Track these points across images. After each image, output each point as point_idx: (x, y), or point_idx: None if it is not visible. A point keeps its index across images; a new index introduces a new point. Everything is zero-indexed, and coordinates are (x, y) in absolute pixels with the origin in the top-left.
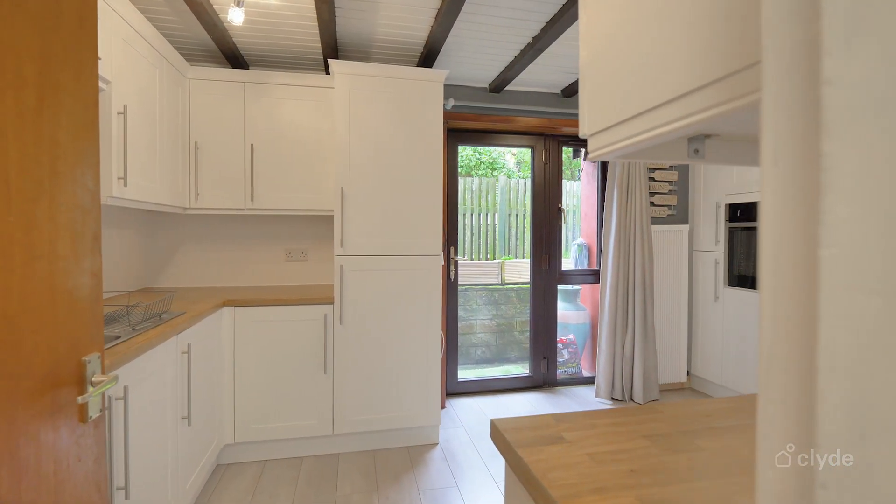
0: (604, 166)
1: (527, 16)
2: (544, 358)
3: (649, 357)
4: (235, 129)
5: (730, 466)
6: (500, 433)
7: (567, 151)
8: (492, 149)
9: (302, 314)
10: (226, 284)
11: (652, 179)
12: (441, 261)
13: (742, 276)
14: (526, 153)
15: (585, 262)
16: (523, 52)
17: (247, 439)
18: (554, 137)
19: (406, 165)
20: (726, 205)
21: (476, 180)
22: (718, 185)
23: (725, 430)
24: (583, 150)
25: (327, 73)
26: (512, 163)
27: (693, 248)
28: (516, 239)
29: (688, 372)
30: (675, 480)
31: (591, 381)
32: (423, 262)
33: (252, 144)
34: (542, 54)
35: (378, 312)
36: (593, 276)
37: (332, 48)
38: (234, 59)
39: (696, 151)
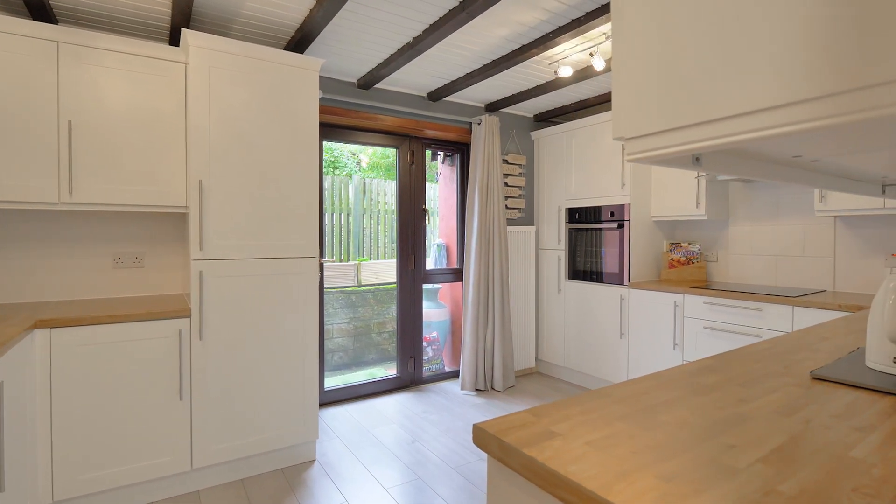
0: (463, 170)
1: (414, 15)
2: (411, 357)
3: (507, 347)
4: (45, 102)
5: (700, 433)
6: (492, 437)
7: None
8: (337, 146)
9: (148, 332)
10: (34, 300)
11: (505, 184)
12: (318, 263)
13: (580, 270)
14: (385, 154)
15: (445, 261)
16: (401, 51)
17: (72, 495)
18: (418, 139)
19: (278, 159)
20: (566, 209)
21: (329, 179)
22: (559, 192)
23: (666, 404)
24: (441, 153)
25: (175, 44)
26: (365, 163)
27: (539, 247)
28: (370, 239)
29: (536, 357)
30: (671, 454)
31: (453, 375)
32: (299, 266)
33: (70, 122)
34: (420, 56)
35: (248, 323)
36: (453, 274)
37: (186, 15)
38: (40, 9)
39: (697, 160)
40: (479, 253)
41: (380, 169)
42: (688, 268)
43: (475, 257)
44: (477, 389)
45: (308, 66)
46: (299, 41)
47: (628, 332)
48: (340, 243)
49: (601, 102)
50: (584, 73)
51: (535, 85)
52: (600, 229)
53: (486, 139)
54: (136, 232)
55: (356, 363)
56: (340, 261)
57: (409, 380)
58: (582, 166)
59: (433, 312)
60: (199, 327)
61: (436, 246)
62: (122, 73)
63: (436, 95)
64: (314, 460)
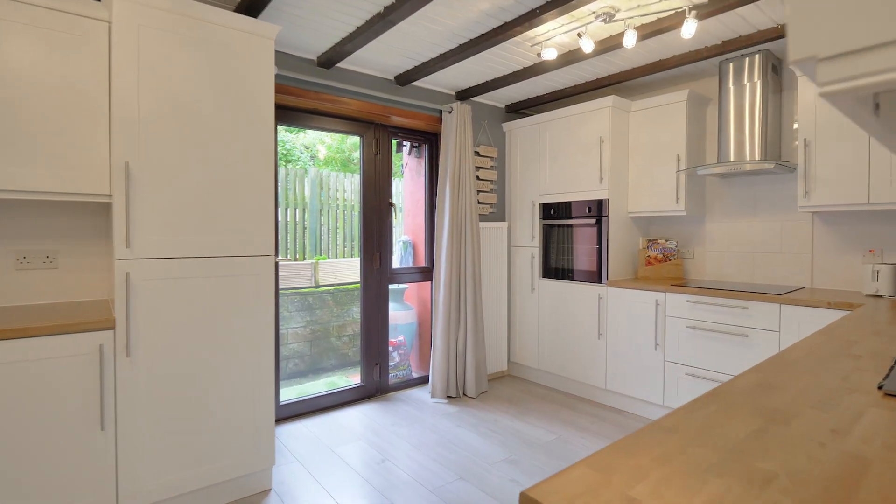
0: (432, 162)
1: None
2: (377, 364)
3: (480, 350)
4: None
5: (822, 490)
6: None
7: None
8: (289, 140)
9: (59, 348)
10: None
11: (477, 178)
12: (273, 263)
13: (555, 268)
14: (341, 147)
15: (411, 259)
16: (370, 23)
17: None
18: (385, 127)
19: (226, 140)
20: (540, 204)
21: (283, 171)
22: (532, 187)
23: (752, 441)
24: (407, 143)
25: None
26: (322, 155)
27: (511, 244)
28: (328, 237)
29: (508, 360)
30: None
31: (422, 381)
32: (252, 266)
33: None
34: (391, 30)
35: (188, 335)
36: (421, 273)
37: None
38: None
39: (877, 106)
40: (451, 250)
41: (335, 164)
42: (665, 265)
43: (446, 255)
44: (448, 397)
45: (262, 32)
46: (251, 4)
47: (606, 333)
48: (295, 241)
49: (579, 92)
50: (570, 58)
51: (511, 71)
52: (577, 225)
53: (457, 128)
54: (48, 225)
55: (314, 370)
56: (296, 259)
57: (375, 388)
58: (557, 159)
59: (399, 314)
60: (126, 341)
61: (401, 243)
62: (29, 30)
63: (404, 79)
64: (270, 489)
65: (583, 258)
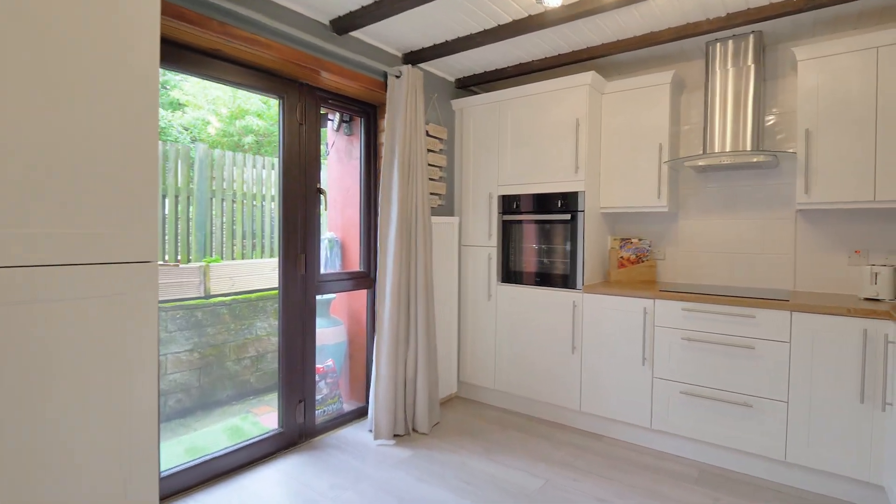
0: (370, 140)
1: None
2: (300, 401)
3: (432, 373)
4: None
5: None
6: None
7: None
8: (161, 114)
9: None
10: None
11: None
12: (156, 271)
13: (518, 271)
14: (229, 132)
15: (338, 261)
16: None
17: None
18: (313, 90)
19: (83, 78)
20: (499, 196)
21: (160, 146)
22: (489, 176)
23: None
24: (335, 117)
25: None
26: (214, 128)
27: (462, 243)
28: (223, 233)
29: (457, 379)
30: None
31: (357, 415)
32: (124, 279)
33: None
34: None
35: (10, 394)
36: (353, 280)
37: None
38: None
39: None
40: (399, 251)
41: (224, 148)
42: (638, 267)
43: (393, 257)
44: (396, 435)
45: None
46: None
47: (582, 346)
48: (177, 238)
49: (548, 67)
50: (542, 20)
51: (483, 28)
52: (546, 221)
53: (408, 98)
54: None
55: (204, 406)
56: (177, 263)
57: (299, 433)
58: (522, 144)
59: (326, 332)
60: None
61: (326, 241)
62: None
63: (344, 25)
64: None
65: (553, 260)
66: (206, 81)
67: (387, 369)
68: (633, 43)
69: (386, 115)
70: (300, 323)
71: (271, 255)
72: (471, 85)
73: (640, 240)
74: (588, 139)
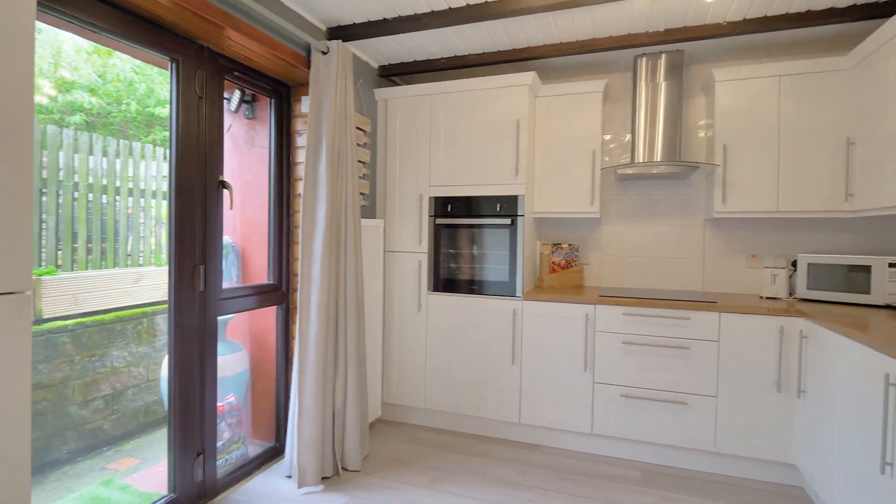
0: (283, 126)
1: None
2: (199, 454)
3: (363, 400)
4: None
5: None
6: None
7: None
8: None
9: None
10: None
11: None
12: (31, 307)
13: (451, 279)
14: (94, 79)
15: (236, 272)
16: None
17: None
18: (215, 56)
19: None
20: (431, 198)
21: None
22: (420, 176)
23: None
24: (236, 93)
25: None
26: (47, 96)
27: (387, 248)
28: (51, 236)
29: (382, 401)
30: None
31: (269, 458)
32: None
33: None
34: None
35: None
36: (259, 295)
37: None
38: None
39: None
40: (328, 258)
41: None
42: (568, 272)
43: (321, 265)
44: (324, 478)
45: None
46: None
47: (522, 356)
48: None
49: (485, 63)
50: (482, 12)
51: (432, 9)
52: (484, 226)
53: (337, 80)
54: None
55: (39, 468)
56: None
57: (198, 494)
58: (457, 143)
59: (224, 360)
60: None
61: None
62: None
63: None
64: None
65: (491, 266)
66: (61, 30)
67: (313, 400)
68: (575, 47)
69: (310, 98)
70: (198, 353)
71: (133, 265)
72: (394, 74)
73: (569, 245)
74: (529, 142)
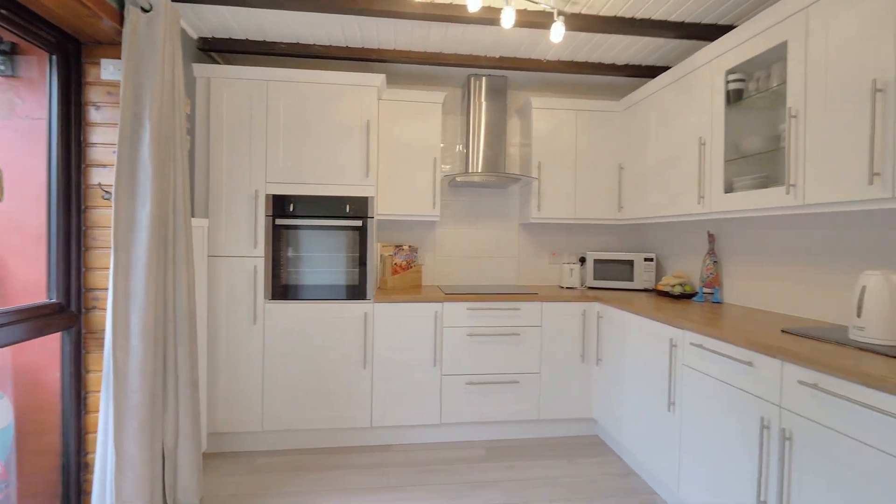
0: (70, 95)
1: None
2: None
3: (197, 435)
4: None
5: None
6: None
7: None
8: None
9: None
10: None
11: None
12: None
13: (292, 285)
14: None
15: None
16: None
17: None
18: None
19: None
20: (269, 196)
21: None
22: (253, 170)
23: None
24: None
25: None
26: None
27: (212, 253)
28: None
29: (206, 433)
30: None
31: None
32: None
33: None
34: None
35: None
36: (32, 321)
37: None
38: None
39: None
40: (155, 268)
41: None
42: (409, 273)
43: (146, 276)
44: None
45: None
46: None
47: (373, 359)
48: None
49: (333, 57)
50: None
51: None
52: (331, 227)
53: (165, 48)
54: None
55: None
56: None
57: None
58: (300, 138)
59: None
60: None
61: None
62: None
63: None
64: None
65: (339, 270)
66: None
67: (138, 448)
68: (423, 57)
69: (124, 65)
70: None
71: None
72: (217, 50)
73: (409, 246)
74: (379, 143)
